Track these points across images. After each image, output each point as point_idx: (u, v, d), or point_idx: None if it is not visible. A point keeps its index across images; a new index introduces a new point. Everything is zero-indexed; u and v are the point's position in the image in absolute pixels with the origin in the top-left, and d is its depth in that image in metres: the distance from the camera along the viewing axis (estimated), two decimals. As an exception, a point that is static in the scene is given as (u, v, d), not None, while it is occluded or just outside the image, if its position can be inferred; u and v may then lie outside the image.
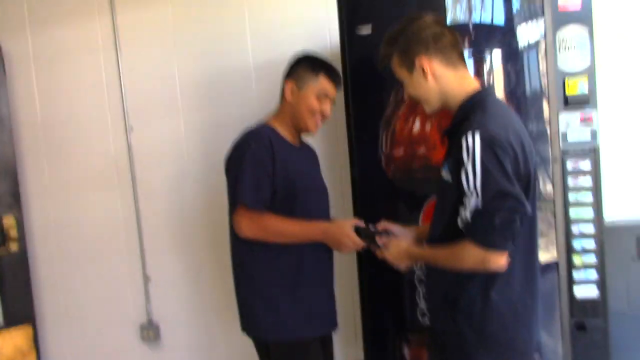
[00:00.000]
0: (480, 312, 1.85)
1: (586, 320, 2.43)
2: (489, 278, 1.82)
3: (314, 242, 2.34)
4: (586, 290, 2.41)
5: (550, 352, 2.46)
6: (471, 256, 1.79)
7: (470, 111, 1.85)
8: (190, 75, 3.35)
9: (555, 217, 2.40)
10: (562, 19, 2.34)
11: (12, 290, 3.41)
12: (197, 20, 3.32)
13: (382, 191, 2.62)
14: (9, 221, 3.39)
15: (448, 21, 2.36)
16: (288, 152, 2.41)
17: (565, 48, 2.35)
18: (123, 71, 3.41)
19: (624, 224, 2.67)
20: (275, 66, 2.87)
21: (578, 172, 2.38)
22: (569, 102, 2.36)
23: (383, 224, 2.25)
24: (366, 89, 2.58)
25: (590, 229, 2.39)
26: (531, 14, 2.39)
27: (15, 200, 3.43)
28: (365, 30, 2.52)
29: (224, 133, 3.02)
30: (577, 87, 2.35)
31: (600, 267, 2.40)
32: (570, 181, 2.38)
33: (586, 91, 2.35)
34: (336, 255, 2.52)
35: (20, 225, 3.44)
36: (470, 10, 2.40)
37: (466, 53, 2.23)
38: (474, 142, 1.73)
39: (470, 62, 2.31)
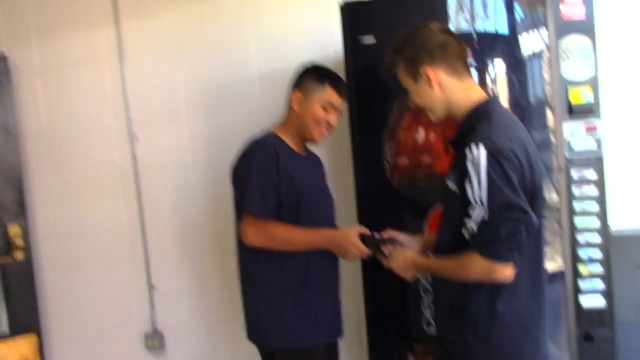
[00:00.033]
0: (486, 323, 1.84)
1: (593, 330, 2.41)
2: (495, 289, 1.81)
3: (320, 249, 2.34)
4: (592, 300, 2.40)
5: (557, 363, 2.45)
6: (477, 267, 1.78)
7: (476, 121, 1.85)
8: (194, 84, 3.36)
9: (560, 226, 2.39)
10: (565, 28, 2.34)
11: (17, 299, 3.42)
12: (201, 30, 3.33)
13: (386, 200, 2.62)
14: (15, 230, 3.40)
15: (451, 30, 2.36)
16: (293, 160, 2.42)
17: (568, 57, 2.35)
18: (127, 81, 3.42)
19: (630, 233, 2.66)
20: (280, 76, 2.88)
21: (583, 181, 2.37)
22: (573, 112, 2.36)
23: (389, 232, 2.24)
24: (370, 98, 2.59)
25: (596, 238, 2.38)
26: (534, 23, 2.40)
27: (20, 209, 3.44)
28: (369, 40, 2.53)
29: (228, 142, 3.04)
30: (581, 96, 2.35)
31: (607, 277, 2.39)
32: (576, 190, 2.38)
33: (590, 100, 2.35)
34: (341, 263, 2.52)
35: (26, 234, 3.45)
36: (473, 19, 2.40)
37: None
38: (479, 153, 1.72)
39: (473, 71, 2.31)
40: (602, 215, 2.37)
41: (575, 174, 2.37)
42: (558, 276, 2.41)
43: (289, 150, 2.44)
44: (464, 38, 2.13)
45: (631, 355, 2.56)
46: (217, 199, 3.28)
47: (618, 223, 2.59)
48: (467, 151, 1.75)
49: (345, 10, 2.60)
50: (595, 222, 2.38)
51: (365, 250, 2.25)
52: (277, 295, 2.38)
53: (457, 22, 2.38)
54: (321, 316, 2.43)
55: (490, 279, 1.78)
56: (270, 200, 2.31)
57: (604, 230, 2.38)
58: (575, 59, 2.34)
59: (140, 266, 3.50)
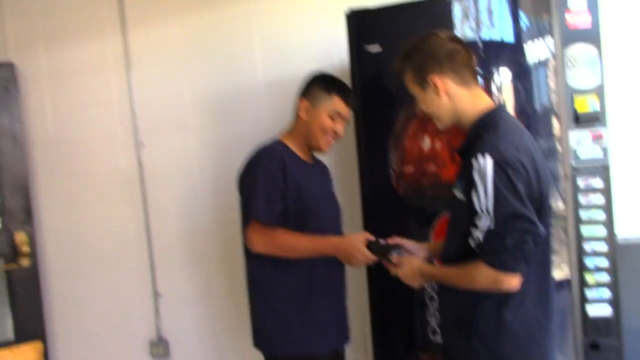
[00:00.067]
0: (493, 332, 1.84)
1: (600, 339, 2.40)
2: (503, 298, 1.81)
3: (325, 256, 2.33)
4: (599, 309, 2.39)
5: (564, 372, 2.44)
6: (483, 277, 1.78)
7: (483, 130, 1.85)
8: (200, 92, 3.38)
9: (567, 235, 2.39)
10: (571, 36, 2.35)
11: (22, 306, 3.42)
12: (208, 39, 3.35)
13: (392, 208, 2.63)
14: (21, 237, 3.40)
15: (456, 39, 2.36)
16: (300, 168, 2.43)
17: (574, 66, 2.35)
18: (134, 89, 3.44)
19: (636, 241, 2.65)
20: (286, 84, 2.90)
21: (589, 190, 2.37)
22: (579, 120, 2.36)
23: (395, 239, 2.24)
24: (376, 106, 2.60)
25: (602, 246, 2.38)
26: (540, 31, 2.40)
27: (27, 216, 3.45)
28: (374, 48, 2.54)
29: (234, 150, 3.05)
30: (587, 104, 2.35)
31: (614, 285, 2.38)
32: (582, 199, 2.37)
33: (596, 109, 2.35)
34: (347, 270, 2.52)
35: (32, 240, 3.45)
36: (478, 27, 2.41)
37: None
38: (485, 163, 1.72)
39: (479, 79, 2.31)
40: (609, 223, 2.37)
41: (581, 182, 2.37)
42: (564, 284, 2.40)
43: (296, 158, 2.44)
44: (469, 46, 2.13)
45: (638, 364, 2.55)
46: (223, 206, 3.29)
47: (624, 231, 2.58)
48: (474, 161, 1.75)
49: (351, 18, 2.62)
50: (602, 231, 2.37)
51: (370, 256, 2.25)
52: (283, 302, 2.39)
53: (463, 30, 2.39)
54: (327, 323, 2.43)
55: (497, 288, 1.78)
56: (277, 207, 2.32)
57: (611, 238, 2.37)
58: (581, 68, 2.34)
59: (145, 273, 3.51)
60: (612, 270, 2.38)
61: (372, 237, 2.29)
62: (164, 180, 3.45)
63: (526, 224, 1.71)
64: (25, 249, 3.41)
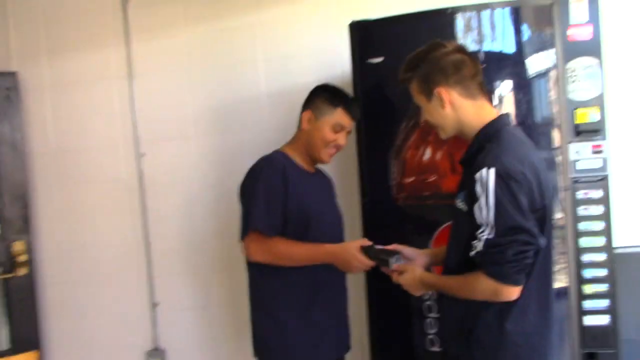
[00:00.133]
0: (494, 342, 1.84)
1: (597, 349, 2.41)
2: (504, 308, 1.81)
3: (325, 265, 2.32)
4: (597, 320, 2.40)
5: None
6: (483, 287, 1.79)
7: (486, 141, 1.86)
8: (202, 102, 3.39)
9: (566, 245, 2.40)
10: (572, 50, 2.37)
11: (19, 316, 3.41)
12: (210, 49, 3.37)
13: (392, 218, 2.63)
14: (19, 247, 3.40)
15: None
16: (302, 178, 2.43)
17: (575, 79, 2.38)
18: (136, 98, 3.45)
19: (634, 251, 2.67)
20: (288, 94, 2.92)
21: (589, 201, 2.38)
22: (579, 132, 2.38)
23: (394, 246, 2.23)
24: (377, 116, 2.61)
25: (600, 257, 2.39)
26: (542, 44, 2.42)
27: (25, 225, 3.45)
28: (377, 59, 2.55)
29: (235, 160, 3.07)
30: (587, 117, 2.37)
31: (611, 296, 2.39)
32: (581, 210, 2.39)
33: (596, 121, 2.37)
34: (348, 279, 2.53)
35: (29, 249, 3.45)
36: (481, 39, 2.43)
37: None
38: (487, 175, 1.73)
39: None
40: (607, 234, 2.38)
41: (580, 193, 2.39)
42: (562, 294, 2.41)
43: (298, 168, 2.45)
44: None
45: (635, 374, 2.56)
46: (223, 216, 3.30)
47: (622, 241, 2.60)
48: (477, 173, 1.76)
49: (353, 29, 2.63)
50: (601, 242, 2.38)
51: (367, 262, 2.23)
52: (283, 311, 2.39)
53: (465, 42, 2.39)
54: (328, 332, 2.44)
55: (496, 299, 1.79)
56: (276, 217, 2.32)
57: (609, 248, 2.38)
58: (582, 80, 2.37)
59: (143, 282, 3.51)
60: (610, 280, 2.39)
61: (368, 243, 2.28)
62: (165, 190, 3.45)
63: (527, 236, 1.72)
64: (23, 257, 3.41)
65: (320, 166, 2.59)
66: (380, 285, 2.53)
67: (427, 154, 2.49)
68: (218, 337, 3.48)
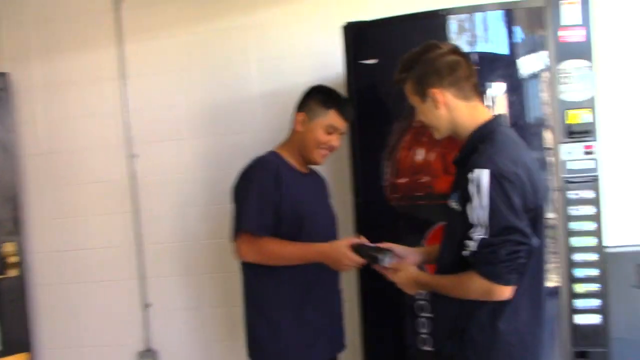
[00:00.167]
0: (487, 341, 1.86)
1: (588, 347, 2.43)
2: (497, 307, 1.83)
3: (314, 263, 2.32)
4: (588, 319, 2.42)
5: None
6: (477, 287, 1.80)
7: (479, 142, 1.87)
8: (195, 103, 3.39)
9: (557, 245, 2.42)
10: (564, 51, 2.38)
11: (10, 317, 3.39)
12: (203, 49, 3.37)
13: (385, 218, 2.64)
14: (9, 248, 3.39)
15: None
16: (295, 179, 2.44)
17: (567, 81, 2.40)
18: (129, 99, 3.44)
19: (625, 250, 2.69)
20: (281, 95, 2.92)
21: (580, 201, 2.40)
22: (571, 133, 2.40)
23: (385, 244, 2.24)
24: (370, 117, 2.61)
25: (592, 257, 2.41)
26: (534, 46, 2.44)
27: (15, 227, 3.43)
28: (370, 60, 2.56)
29: (228, 161, 3.07)
30: (578, 118, 2.39)
31: (602, 295, 2.41)
32: (572, 210, 2.41)
33: (588, 122, 2.39)
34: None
35: (20, 251, 3.43)
36: (474, 41, 2.45)
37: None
38: (481, 175, 1.74)
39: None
40: (598, 233, 2.40)
41: (572, 194, 2.40)
42: (554, 293, 2.43)
43: (291, 168, 2.46)
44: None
45: (625, 371, 2.59)
46: (216, 217, 3.30)
47: (612, 241, 2.62)
48: (470, 174, 1.77)
49: (347, 30, 2.64)
50: (592, 241, 2.41)
51: (357, 260, 2.23)
52: (277, 312, 2.39)
53: (458, 43, 2.39)
54: (322, 331, 2.45)
55: (489, 298, 1.80)
56: (268, 218, 2.33)
57: (600, 248, 2.41)
58: (574, 83, 2.39)
59: (135, 283, 3.50)
60: (601, 280, 2.41)
61: (358, 241, 2.29)
62: (157, 191, 3.45)
63: (520, 236, 1.74)
64: (14, 259, 3.39)
65: (314, 167, 2.59)
66: (373, 284, 2.55)
67: (420, 154, 2.50)
68: (210, 338, 3.47)
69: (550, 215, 2.37)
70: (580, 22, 2.37)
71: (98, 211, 3.51)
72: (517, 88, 2.45)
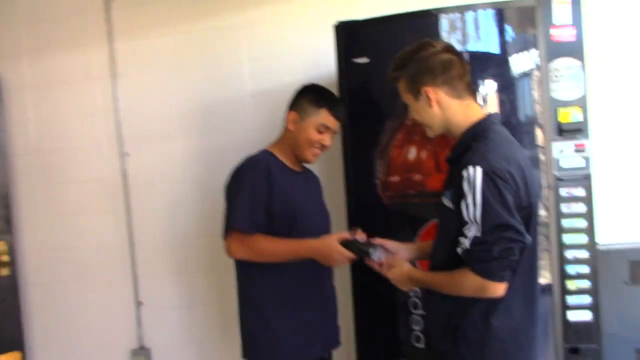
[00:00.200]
0: (480, 338, 1.87)
1: (580, 344, 2.44)
2: (490, 305, 1.84)
3: (305, 258, 2.33)
4: (580, 315, 2.43)
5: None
6: (470, 284, 1.81)
7: (473, 140, 1.88)
8: (186, 102, 3.38)
9: (549, 242, 2.43)
10: (555, 50, 2.39)
11: (1, 316, 3.39)
12: (195, 48, 3.35)
13: (378, 216, 2.64)
14: (1, 247, 3.38)
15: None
16: (287, 177, 2.44)
17: (558, 79, 2.41)
18: (119, 98, 3.44)
19: (616, 248, 2.71)
20: (273, 94, 2.92)
21: (571, 199, 2.41)
22: (562, 131, 2.40)
23: (378, 240, 2.25)
24: (363, 116, 2.61)
25: (583, 254, 2.41)
26: (525, 44, 2.44)
27: (7, 225, 3.42)
28: (362, 59, 2.56)
29: (219, 160, 3.07)
30: (570, 116, 2.40)
31: (594, 292, 2.42)
32: (564, 208, 2.41)
33: (579, 120, 2.40)
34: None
35: (12, 250, 3.43)
36: (465, 40, 2.45)
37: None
38: (474, 174, 1.75)
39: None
40: (590, 231, 2.41)
41: (563, 191, 2.41)
42: (546, 290, 2.44)
43: (283, 167, 2.46)
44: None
45: (616, 366, 2.61)
46: (208, 216, 3.30)
47: (604, 238, 2.64)
48: (464, 171, 1.78)
49: (339, 29, 2.63)
50: (583, 239, 2.41)
51: (348, 254, 2.24)
52: (272, 310, 2.40)
53: (449, 42, 2.40)
54: (317, 329, 2.46)
55: (483, 295, 1.81)
56: (258, 216, 2.33)
57: (592, 246, 2.42)
58: (565, 80, 2.39)
59: (127, 282, 3.50)
60: (593, 277, 2.42)
61: (348, 236, 2.30)
62: (149, 189, 3.45)
63: (513, 233, 1.75)
64: (5, 258, 3.39)
65: (307, 165, 2.60)
66: (367, 281, 2.56)
67: (412, 153, 2.50)
68: (203, 336, 3.48)
69: (542, 212, 2.39)
70: (571, 21, 2.38)
71: (89, 210, 3.51)
72: (508, 86, 2.46)
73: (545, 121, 2.42)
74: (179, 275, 3.48)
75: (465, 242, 1.78)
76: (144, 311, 3.51)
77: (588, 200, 2.41)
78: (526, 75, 2.45)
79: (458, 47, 2.37)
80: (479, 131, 1.90)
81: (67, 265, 3.56)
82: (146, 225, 3.47)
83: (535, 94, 2.44)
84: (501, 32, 2.47)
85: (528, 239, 1.79)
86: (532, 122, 2.47)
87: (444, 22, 2.46)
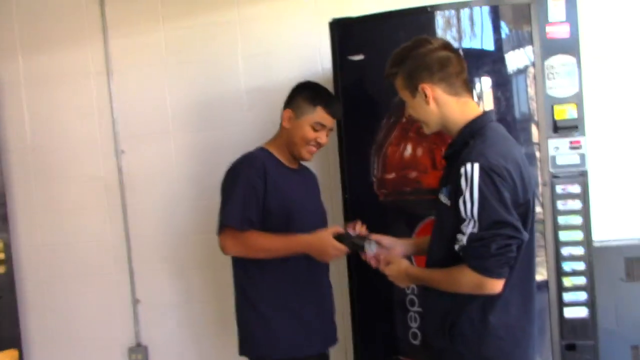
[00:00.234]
0: (478, 335, 1.87)
1: (576, 340, 2.45)
2: (487, 301, 1.84)
3: (299, 254, 2.33)
4: (576, 311, 2.44)
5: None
6: (467, 280, 1.81)
7: (470, 137, 1.88)
8: (182, 99, 3.37)
9: (545, 239, 2.44)
10: (550, 47, 2.39)
11: (-2, 313, 3.39)
12: (190, 45, 3.34)
13: (374, 213, 2.63)
14: (-3, 244, 3.38)
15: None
16: (283, 175, 2.45)
17: (554, 76, 2.40)
18: (115, 95, 3.43)
19: (612, 244, 2.72)
20: (268, 91, 2.91)
21: (567, 196, 2.42)
22: (557, 128, 2.41)
23: (374, 236, 2.25)
24: (358, 113, 2.62)
25: (579, 251, 2.42)
26: (520, 41, 2.44)
27: (3, 223, 3.42)
28: (357, 56, 2.56)
29: (214, 157, 3.06)
30: (565, 113, 2.40)
31: (590, 289, 2.43)
32: (560, 204, 2.42)
33: (574, 117, 2.40)
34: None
35: (8, 248, 3.42)
36: (460, 37, 2.45)
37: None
38: (472, 170, 1.75)
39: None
40: (586, 228, 2.42)
41: (559, 188, 2.42)
42: (542, 287, 2.44)
43: (279, 164, 2.46)
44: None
45: (612, 362, 2.62)
46: (204, 213, 3.29)
47: (600, 235, 2.65)
48: (461, 168, 1.78)
49: (334, 27, 2.63)
50: (579, 236, 2.42)
51: (342, 248, 2.25)
52: (269, 307, 2.40)
53: (445, 38, 2.41)
54: (314, 326, 2.46)
55: (480, 292, 1.81)
56: (253, 213, 2.34)
57: (588, 242, 2.42)
58: (560, 77, 2.39)
59: (124, 280, 3.50)
60: (589, 274, 2.42)
61: (341, 230, 2.30)
62: (144, 187, 3.44)
63: (510, 230, 1.75)
64: (1, 255, 3.39)
65: (304, 162, 2.59)
66: (363, 278, 2.56)
67: (408, 150, 2.51)
68: (200, 333, 3.47)
69: (538, 209, 2.39)
70: (565, 18, 2.37)
71: (85, 207, 3.50)
72: (503, 83, 2.46)
73: (540, 118, 2.42)
74: (175, 272, 3.47)
75: (463, 239, 1.79)
76: (140, 308, 3.51)
77: (584, 197, 2.42)
78: (521, 72, 2.44)
79: (453, 44, 2.37)
80: (476, 128, 1.90)
81: (63, 262, 3.55)
82: (142, 223, 3.46)
83: (531, 91, 2.44)
84: (496, 29, 2.47)
85: (525, 235, 1.80)
86: (528, 119, 2.47)
87: (439, 19, 2.46)
